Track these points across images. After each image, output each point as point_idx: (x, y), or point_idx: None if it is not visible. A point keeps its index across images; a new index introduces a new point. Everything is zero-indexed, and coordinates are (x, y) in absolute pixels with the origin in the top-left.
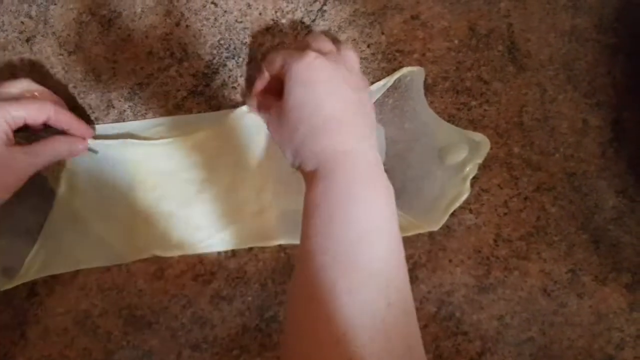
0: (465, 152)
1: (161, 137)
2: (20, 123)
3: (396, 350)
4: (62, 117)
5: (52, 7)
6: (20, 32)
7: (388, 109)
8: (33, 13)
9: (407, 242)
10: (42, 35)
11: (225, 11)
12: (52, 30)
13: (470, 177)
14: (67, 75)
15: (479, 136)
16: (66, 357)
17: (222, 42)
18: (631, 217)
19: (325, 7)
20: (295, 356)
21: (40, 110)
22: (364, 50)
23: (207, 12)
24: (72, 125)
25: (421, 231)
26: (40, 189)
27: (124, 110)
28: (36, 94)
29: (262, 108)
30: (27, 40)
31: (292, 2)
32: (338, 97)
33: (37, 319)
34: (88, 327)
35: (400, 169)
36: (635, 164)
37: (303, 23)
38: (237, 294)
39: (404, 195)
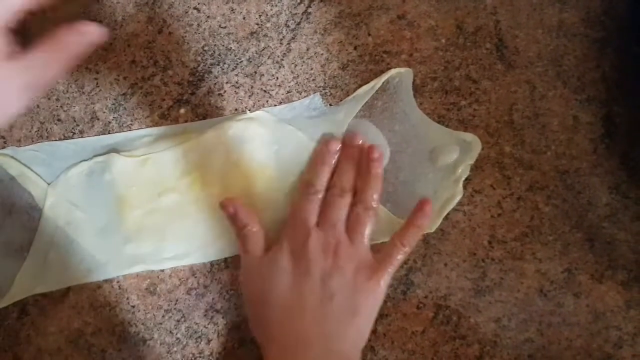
0: (456, 153)
1: (148, 149)
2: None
3: None
4: None
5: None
6: None
7: (377, 111)
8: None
9: None
10: None
11: (208, 16)
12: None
13: (463, 178)
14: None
15: (469, 136)
16: None
17: (206, 48)
18: (625, 213)
19: (309, 9)
20: None
21: None
22: (350, 53)
23: (190, 18)
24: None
25: None
26: (29, 206)
27: (109, 122)
28: None
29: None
30: None
31: (276, 5)
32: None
33: (29, 339)
34: (81, 345)
35: (392, 172)
36: (627, 159)
37: (288, 26)
38: (232, 306)
39: (396, 198)
